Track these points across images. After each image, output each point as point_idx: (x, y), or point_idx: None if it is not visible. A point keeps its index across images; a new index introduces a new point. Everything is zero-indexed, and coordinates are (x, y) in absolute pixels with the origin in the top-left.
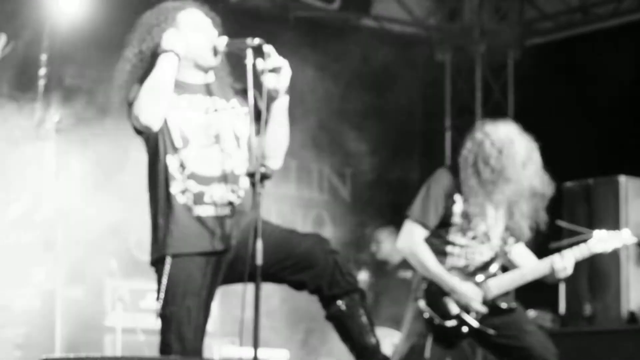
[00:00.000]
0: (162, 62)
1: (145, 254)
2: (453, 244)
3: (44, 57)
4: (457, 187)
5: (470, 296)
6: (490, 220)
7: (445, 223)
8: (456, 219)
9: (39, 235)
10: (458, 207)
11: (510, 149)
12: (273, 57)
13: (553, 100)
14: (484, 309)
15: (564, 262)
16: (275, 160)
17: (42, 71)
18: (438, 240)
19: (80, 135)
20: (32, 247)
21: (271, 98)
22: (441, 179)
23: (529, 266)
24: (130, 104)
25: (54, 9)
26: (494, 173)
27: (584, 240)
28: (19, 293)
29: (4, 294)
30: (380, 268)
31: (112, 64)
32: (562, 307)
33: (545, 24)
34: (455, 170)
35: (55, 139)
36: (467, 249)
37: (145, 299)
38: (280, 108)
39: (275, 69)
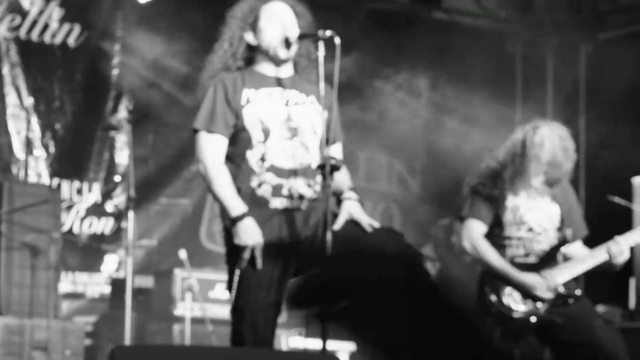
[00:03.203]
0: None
1: (214, 245)
2: (510, 238)
3: (116, 48)
4: (507, 182)
5: (533, 285)
6: (544, 211)
7: (498, 221)
8: (508, 214)
9: (111, 225)
10: (508, 202)
11: (534, 146)
12: None
13: (626, 94)
14: (549, 295)
15: (619, 247)
16: None
17: (115, 61)
18: (495, 236)
19: (152, 124)
20: (104, 236)
21: None
22: (488, 179)
23: (586, 254)
24: (195, 131)
25: None
26: (522, 167)
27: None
28: (91, 281)
29: (78, 281)
30: (456, 258)
31: (184, 54)
32: (631, 302)
33: (619, 17)
34: (504, 167)
35: (128, 128)
36: (524, 240)
37: (214, 289)
38: None
39: None
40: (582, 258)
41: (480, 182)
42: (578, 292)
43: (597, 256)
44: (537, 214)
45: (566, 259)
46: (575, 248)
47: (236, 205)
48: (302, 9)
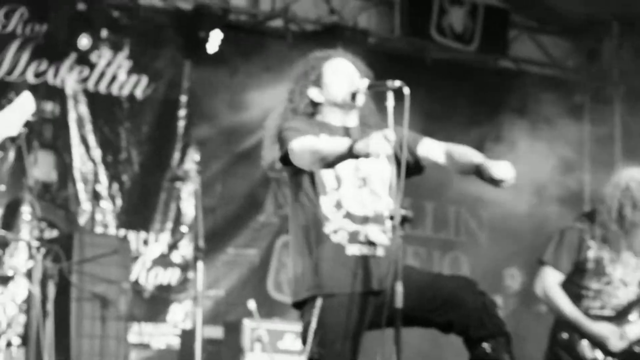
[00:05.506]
0: (347, 154)
1: (282, 295)
2: (587, 288)
3: (183, 99)
4: (592, 233)
5: (606, 335)
6: (627, 266)
7: (579, 269)
8: (590, 264)
9: (177, 275)
10: (592, 253)
11: None
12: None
13: None
14: (621, 345)
15: None
16: None
17: (182, 112)
18: (573, 285)
19: (219, 174)
20: (170, 287)
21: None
22: (576, 225)
23: None
24: (282, 131)
25: (194, 50)
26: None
27: None
28: (157, 332)
29: (144, 332)
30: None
31: (250, 105)
32: None
33: None
34: (591, 216)
35: (195, 179)
36: (601, 293)
37: (283, 339)
38: None
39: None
40: None
41: (571, 227)
42: None
43: None
44: (620, 267)
45: None
46: None
47: (343, 141)
48: (361, 65)
